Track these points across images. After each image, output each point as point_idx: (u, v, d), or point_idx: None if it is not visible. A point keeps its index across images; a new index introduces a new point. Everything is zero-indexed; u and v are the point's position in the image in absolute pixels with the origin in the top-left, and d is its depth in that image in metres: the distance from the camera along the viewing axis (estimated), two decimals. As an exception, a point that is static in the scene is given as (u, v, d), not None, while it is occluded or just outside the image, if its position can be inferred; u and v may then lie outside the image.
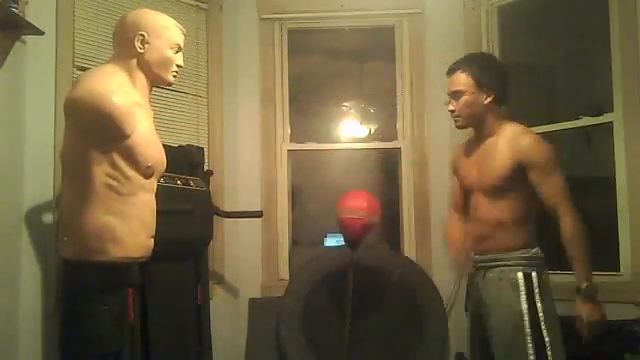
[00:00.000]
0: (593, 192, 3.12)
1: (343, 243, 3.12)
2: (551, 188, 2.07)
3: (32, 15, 2.39)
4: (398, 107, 3.68)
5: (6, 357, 2.32)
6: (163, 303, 2.60)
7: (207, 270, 3.01)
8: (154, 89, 2.11)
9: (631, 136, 2.74)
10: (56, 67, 2.62)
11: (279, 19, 3.68)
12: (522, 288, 2.10)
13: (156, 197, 2.05)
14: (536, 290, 2.11)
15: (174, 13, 2.99)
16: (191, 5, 3.40)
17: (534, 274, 2.12)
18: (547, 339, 2.06)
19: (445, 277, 3.43)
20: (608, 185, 2.83)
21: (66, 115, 1.91)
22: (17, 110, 2.45)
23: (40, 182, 2.52)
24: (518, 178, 2.10)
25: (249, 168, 3.57)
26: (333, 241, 3.73)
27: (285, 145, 3.66)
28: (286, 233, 3.64)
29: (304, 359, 3.16)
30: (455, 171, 2.41)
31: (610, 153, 2.83)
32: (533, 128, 2.91)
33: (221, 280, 3.41)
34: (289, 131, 3.70)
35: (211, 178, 3.09)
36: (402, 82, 3.66)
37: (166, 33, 2.00)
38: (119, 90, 1.87)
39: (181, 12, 3.29)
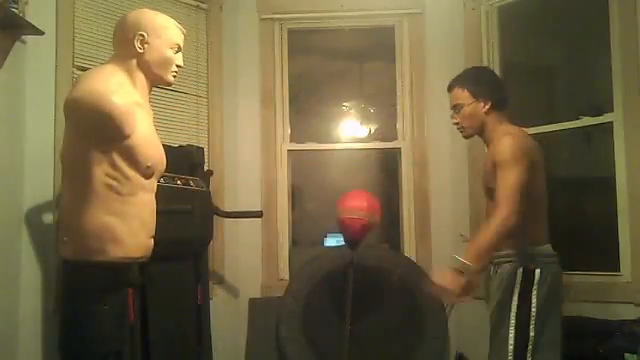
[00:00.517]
0: (593, 192, 3.12)
1: (343, 243, 3.12)
2: (500, 184, 2.16)
3: (32, 15, 2.39)
4: (398, 107, 3.68)
5: (6, 357, 2.32)
6: (163, 303, 2.60)
7: (207, 270, 3.01)
8: (154, 89, 2.12)
9: (631, 136, 2.74)
10: (56, 67, 2.62)
11: (279, 19, 3.68)
12: (518, 283, 2.17)
13: (156, 197, 2.05)
14: (534, 287, 2.15)
15: (174, 13, 3.00)
16: (191, 5, 3.40)
17: (538, 271, 2.17)
18: (532, 336, 2.12)
19: (445, 277, 3.44)
20: (608, 185, 2.83)
21: (66, 115, 1.91)
22: (17, 110, 2.45)
23: (40, 182, 2.52)
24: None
25: (249, 168, 3.57)
26: (333, 241, 3.73)
27: (285, 145, 3.66)
28: (286, 233, 3.64)
29: (304, 359, 3.16)
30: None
31: (610, 153, 2.83)
32: (533, 128, 2.93)
33: (221, 280, 3.41)
34: (289, 131, 3.70)
35: (211, 178, 3.09)
36: (402, 82, 3.66)
37: (166, 33, 2.00)
38: (119, 90, 1.87)
39: (181, 12, 3.29)
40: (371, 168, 4.24)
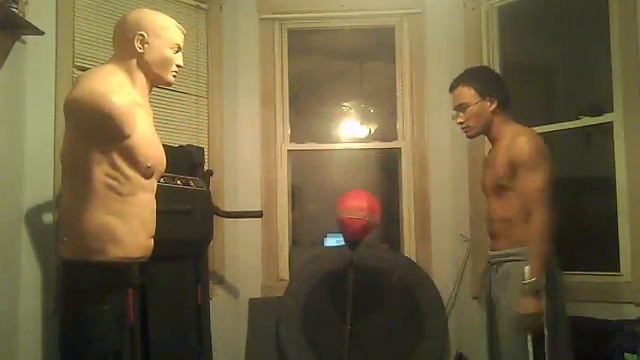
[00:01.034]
0: (593, 192, 3.12)
1: (343, 243, 3.12)
2: (528, 186, 2.18)
3: (32, 15, 2.39)
4: (398, 107, 3.68)
5: (6, 357, 2.32)
6: (163, 303, 2.60)
7: (207, 270, 3.01)
8: (154, 89, 2.11)
9: (631, 136, 2.74)
10: (56, 67, 2.62)
11: (279, 19, 3.68)
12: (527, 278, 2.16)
13: (156, 197, 2.05)
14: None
15: (174, 13, 3.00)
16: (191, 5, 3.40)
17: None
18: (546, 334, 2.13)
19: (445, 277, 3.44)
20: (608, 185, 2.83)
21: (66, 115, 1.91)
22: (17, 110, 2.45)
23: (40, 182, 2.52)
24: (514, 176, 2.23)
25: (249, 168, 3.57)
26: (333, 241, 3.73)
27: (285, 145, 3.66)
28: (286, 233, 3.64)
29: (304, 359, 3.16)
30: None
31: (610, 153, 2.83)
32: (533, 128, 2.92)
33: (221, 280, 3.41)
34: (289, 131, 3.69)
35: (211, 178, 3.09)
36: (402, 82, 3.66)
37: (166, 33, 2.00)
38: (119, 90, 1.87)
39: (181, 12, 3.29)
40: (371, 168, 4.24)
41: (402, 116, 3.66)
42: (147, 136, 1.95)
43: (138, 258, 1.98)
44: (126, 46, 1.96)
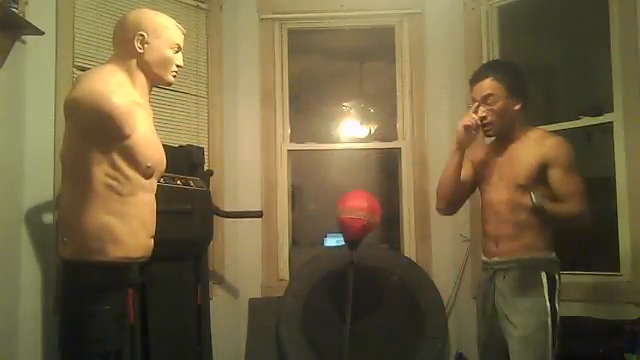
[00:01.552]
0: (593, 192, 3.11)
1: (343, 243, 3.12)
2: (568, 186, 2.10)
3: (32, 15, 2.39)
4: (398, 107, 3.68)
5: (6, 357, 2.32)
6: (163, 303, 2.60)
7: (207, 270, 3.01)
8: (154, 89, 2.11)
9: (631, 136, 2.74)
10: (56, 67, 2.62)
11: (279, 19, 3.68)
12: (545, 288, 2.11)
13: (156, 197, 2.05)
14: (556, 293, 2.12)
15: (174, 13, 2.99)
16: (191, 5, 3.40)
17: (557, 276, 2.14)
18: (556, 340, 2.10)
19: (445, 277, 3.44)
20: (608, 185, 2.83)
21: (66, 115, 1.91)
22: (17, 110, 2.45)
23: (40, 182, 2.52)
24: (542, 178, 2.12)
25: (249, 168, 3.57)
26: (333, 241, 3.73)
27: (285, 145, 3.66)
28: (286, 233, 3.64)
29: (304, 359, 3.16)
30: (472, 160, 2.40)
31: (610, 153, 2.83)
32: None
33: (221, 280, 3.41)
34: (289, 131, 3.70)
35: (211, 178, 3.09)
36: (402, 82, 3.66)
37: (166, 33, 1.99)
38: (119, 90, 1.87)
39: (181, 12, 3.29)
40: (371, 168, 4.24)
41: (402, 116, 3.66)
42: (147, 136, 1.95)
43: (138, 258, 1.98)
44: (126, 46, 1.96)
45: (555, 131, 3.05)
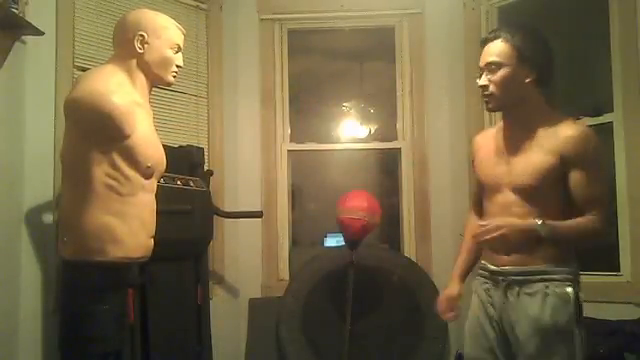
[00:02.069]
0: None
1: (343, 243, 3.12)
2: (593, 194, 1.73)
3: (32, 15, 2.39)
4: (398, 107, 3.68)
5: (6, 357, 2.32)
6: (163, 303, 2.60)
7: (207, 270, 3.01)
8: (154, 89, 2.11)
9: (631, 136, 2.74)
10: (56, 67, 2.62)
11: (279, 19, 3.68)
12: (572, 306, 1.76)
13: (156, 197, 2.05)
14: (582, 310, 1.79)
15: (174, 13, 3.00)
16: (191, 5, 3.40)
17: (581, 294, 1.79)
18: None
19: (445, 277, 3.44)
20: (608, 185, 2.82)
21: (66, 115, 1.91)
22: (17, 110, 2.45)
23: (40, 182, 2.52)
24: (559, 178, 1.76)
25: (249, 168, 3.57)
26: (333, 241, 3.73)
27: (285, 145, 3.66)
28: (286, 233, 3.64)
29: (304, 359, 3.16)
30: (475, 165, 2.03)
31: (610, 153, 2.83)
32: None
33: (221, 280, 3.41)
34: (289, 131, 3.70)
35: (211, 178, 3.09)
36: (402, 82, 3.66)
37: (166, 33, 2.00)
38: (119, 90, 1.87)
39: (181, 12, 3.29)
40: (371, 168, 4.25)
41: (402, 116, 3.66)
42: (147, 136, 1.96)
43: (138, 258, 1.98)
44: (126, 46, 1.96)
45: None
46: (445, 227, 3.48)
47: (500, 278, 1.86)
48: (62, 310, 1.98)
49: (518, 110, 1.84)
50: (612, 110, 2.84)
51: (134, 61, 1.96)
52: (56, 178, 2.50)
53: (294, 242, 3.77)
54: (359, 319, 3.10)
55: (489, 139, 1.98)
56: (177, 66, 2.04)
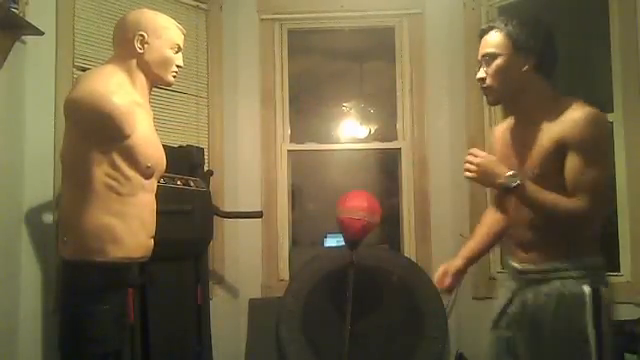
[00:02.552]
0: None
1: (343, 243, 3.12)
2: (583, 181, 1.62)
3: (32, 15, 2.39)
4: (398, 107, 3.68)
5: (6, 357, 2.32)
6: (163, 303, 2.60)
7: (207, 270, 3.01)
8: (154, 89, 2.12)
9: (631, 136, 2.74)
10: (56, 67, 2.63)
11: (279, 19, 3.68)
12: (589, 306, 1.63)
13: (156, 197, 2.05)
14: (604, 310, 1.64)
15: (174, 13, 3.00)
16: (191, 5, 3.40)
17: (604, 289, 1.66)
18: None
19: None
20: (608, 185, 2.82)
21: (66, 115, 1.91)
22: (17, 110, 2.45)
23: (40, 182, 2.52)
24: (561, 166, 1.66)
25: (249, 168, 3.57)
26: (333, 241, 3.73)
27: (285, 145, 3.66)
28: (286, 233, 3.64)
29: (304, 359, 3.16)
30: (499, 151, 1.92)
31: (610, 153, 2.83)
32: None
33: (221, 280, 3.41)
34: (289, 131, 3.70)
35: (211, 178, 3.09)
36: (402, 82, 3.66)
37: (166, 33, 2.00)
38: (119, 90, 1.87)
39: (181, 12, 3.29)
40: (371, 168, 4.24)
41: (402, 116, 3.66)
42: (147, 136, 1.96)
43: (138, 258, 1.98)
44: (126, 46, 1.96)
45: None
46: (445, 227, 3.49)
47: (520, 276, 1.79)
48: (62, 310, 1.98)
49: (519, 101, 1.77)
50: (612, 110, 2.84)
51: (134, 61, 1.96)
52: (56, 178, 2.50)
53: (294, 242, 3.77)
54: (359, 319, 3.10)
55: (505, 132, 1.89)
56: (177, 66, 2.04)
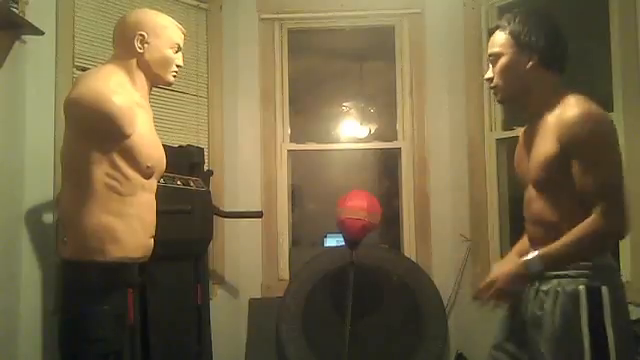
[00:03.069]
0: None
1: (343, 243, 3.12)
2: (596, 185, 1.57)
3: (32, 15, 2.39)
4: (398, 107, 3.68)
5: (6, 357, 2.32)
6: (163, 303, 2.60)
7: (207, 270, 3.01)
8: (154, 89, 2.11)
9: (631, 136, 2.74)
10: (56, 67, 2.62)
11: (279, 19, 3.67)
12: (584, 306, 1.60)
13: (156, 197, 2.05)
14: (606, 310, 1.60)
15: (174, 13, 3.00)
16: (191, 5, 3.40)
17: (604, 289, 1.61)
18: None
19: (445, 277, 3.44)
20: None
21: (66, 115, 1.91)
22: (17, 110, 2.45)
23: (40, 182, 2.52)
24: (566, 167, 1.62)
25: (249, 168, 3.57)
26: (333, 241, 3.73)
27: (285, 145, 3.66)
28: (286, 233, 3.64)
29: (304, 359, 3.16)
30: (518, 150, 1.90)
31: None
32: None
33: (221, 280, 3.41)
34: (289, 131, 3.69)
35: (211, 178, 3.09)
36: (402, 82, 3.66)
37: (166, 33, 1.99)
38: (119, 90, 1.87)
39: (181, 12, 3.29)
40: (371, 168, 4.25)
41: (402, 116, 3.66)
42: (147, 136, 1.95)
43: (138, 258, 1.98)
44: (126, 46, 1.96)
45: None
46: (445, 227, 3.49)
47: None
48: (62, 310, 1.97)
49: (527, 100, 1.75)
50: (612, 109, 2.84)
51: (134, 61, 1.96)
52: (56, 178, 2.50)
53: (294, 242, 3.77)
54: (359, 319, 3.10)
55: (523, 133, 1.86)
56: (177, 66, 2.04)
